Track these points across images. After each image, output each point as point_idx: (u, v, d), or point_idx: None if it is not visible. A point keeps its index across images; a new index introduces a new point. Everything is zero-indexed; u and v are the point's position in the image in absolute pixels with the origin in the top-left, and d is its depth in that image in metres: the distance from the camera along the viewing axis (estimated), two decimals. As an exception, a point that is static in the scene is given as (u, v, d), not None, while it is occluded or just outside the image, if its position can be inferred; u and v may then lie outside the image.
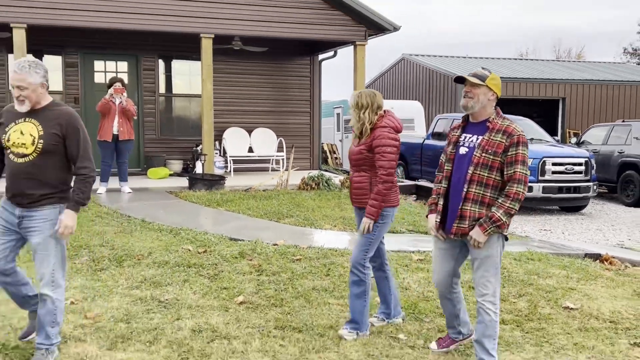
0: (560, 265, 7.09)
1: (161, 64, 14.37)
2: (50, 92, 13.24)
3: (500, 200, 3.86)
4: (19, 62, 3.96)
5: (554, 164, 12.03)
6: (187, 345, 4.45)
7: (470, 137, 4.03)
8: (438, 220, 4.15)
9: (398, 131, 4.71)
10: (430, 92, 26.52)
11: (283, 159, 14.33)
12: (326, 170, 14.86)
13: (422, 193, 13.32)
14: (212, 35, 12.23)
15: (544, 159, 11.95)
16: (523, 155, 3.84)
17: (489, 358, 4.02)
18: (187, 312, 5.15)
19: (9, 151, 4.01)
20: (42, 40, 12.32)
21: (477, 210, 3.91)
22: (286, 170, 12.79)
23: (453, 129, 4.21)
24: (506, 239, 4.04)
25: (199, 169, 12.97)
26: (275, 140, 14.79)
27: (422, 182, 14.42)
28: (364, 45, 13.49)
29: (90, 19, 11.50)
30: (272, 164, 14.81)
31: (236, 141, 14.52)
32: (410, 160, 16.09)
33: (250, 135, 14.73)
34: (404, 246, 7.89)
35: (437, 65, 27.00)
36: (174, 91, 14.67)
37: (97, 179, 9.57)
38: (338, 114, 19.70)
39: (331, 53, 15.35)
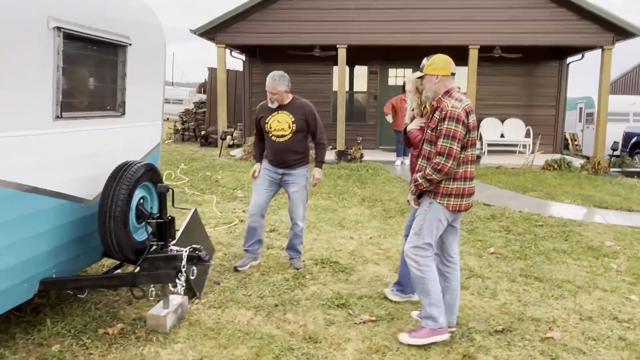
0: None
1: (436, 69, 14.33)
2: (357, 92, 14.08)
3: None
4: (272, 75, 4.33)
5: None
6: (450, 278, 4.52)
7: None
8: None
9: None
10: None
11: (529, 144, 13.31)
12: (567, 155, 13.44)
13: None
14: (478, 46, 11.80)
15: None
16: (447, 130, 3.09)
17: (424, 313, 3.32)
18: (451, 254, 5.20)
19: (270, 134, 4.43)
20: (355, 56, 13.15)
21: None
22: (532, 153, 11.90)
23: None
24: (456, 210, 3.23)
25: (460, 149, 12.75)
26: (523, 128, 13.78)
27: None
28: (611, 49, 11.75)
29: (388, 39, 11.95)
30: (519, 148, 13.86)
31: (490, 128, 13.88)
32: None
33: (502, 123, 13.96)
34: (638, 223, 6.87)
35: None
36: (444, 90, 14.51)
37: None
38: (581, 108, 17.53)
39: (579, 56, 13.68)
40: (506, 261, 5.03)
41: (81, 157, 3.22)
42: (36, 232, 2.90)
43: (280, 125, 4.40)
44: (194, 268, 3.43)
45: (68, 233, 3.19)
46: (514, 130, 13.85)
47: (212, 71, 16.56)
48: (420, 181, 3.23)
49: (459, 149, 3.13)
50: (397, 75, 14.33)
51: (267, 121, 4.43)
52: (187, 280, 3.73)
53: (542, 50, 13.32)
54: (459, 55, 12.46)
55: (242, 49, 13.97)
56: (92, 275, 3.48)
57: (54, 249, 3.10)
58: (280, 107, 4.42)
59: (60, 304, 3.67)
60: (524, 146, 13.69)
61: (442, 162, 3.11)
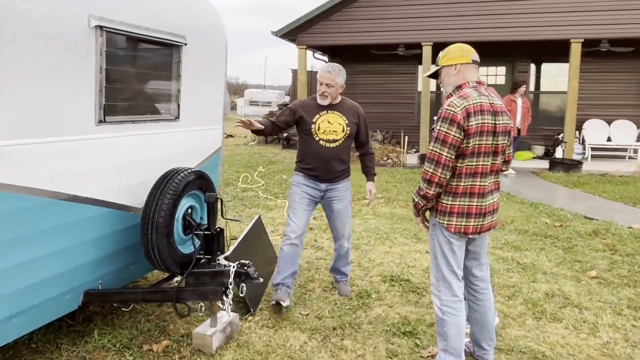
0: None
1: (532, 67, 13.22)
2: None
3: None
4: (330, 65, 3.71)
5: None
6: (540, 306, 3.90)
7: None
8: None
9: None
10: None
11: (641, 149, 11.87)
12: (688, 161, 11.78)
13: None
14: (582, 40, 10.66)
15: None
16: (439, 132, 2.62)
17: (437, 357, 2.85)
18: (542, 276, 4.54)
19: (317, 138, 3.72)
20: (441, 53, 12.47)
21: None
22: (644, 159, 10.56)
23: None
24: (460, 233, 2.71)
25: (558, 154, 11.63)
26: (634, 131, 12.30)
27: None
28: None
29: (477, 35, 11.14)
30: (629, 153, 12.40)
31: (595, 131, 12.53)
32: None
33: (609, 125, 12.56)
34: None
35: None
36: (541, 89, 13.37)
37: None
38: None
39: None
40: (610, 288, 4.30)
41: (128, 164, 3.07)
42: (78, 242, 2.77)
43: (332, 127, 3.73)
44: (244, 285, 3.16)
45: (115, 242, 3.05)
46: (623, 133, 12.41)
47: (295, 73, 16.55)
48: (416, 199, 2.76)
49: (451, 156, 2.61)
50: (489, 74, 13.43)
51: (314, 120, 3.72)
52: (242, 296, 3.50)
53: (659, 43, 11.81)
54: (559, 50, 11.44)
55: (324, 49, 13.80)
56: (136, 289, 3.34)
57: (99, 259, 2.97)
58: (330, 107, 3.77)
59: (112, 314, 3.57)
60: (635, 151, 12.23)
61: (431, 170, 2.64)
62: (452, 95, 2.74)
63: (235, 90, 54.89)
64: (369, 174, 3.99)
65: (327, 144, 3.74)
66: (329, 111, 3.76)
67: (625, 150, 12.40)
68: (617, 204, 7.70)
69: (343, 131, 3.75)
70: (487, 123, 2.63)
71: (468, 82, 2.73)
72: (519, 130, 9.85)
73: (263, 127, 3.68)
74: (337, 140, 3.74)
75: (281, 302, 3.62)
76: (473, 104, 2.62)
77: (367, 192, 3.96)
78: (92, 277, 2.97)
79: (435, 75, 2.87)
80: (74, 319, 3.45)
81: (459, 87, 2.74)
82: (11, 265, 2.40)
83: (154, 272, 4.09)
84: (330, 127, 3.73)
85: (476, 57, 2.78)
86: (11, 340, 2.57)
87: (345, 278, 4.12)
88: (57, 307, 2.80)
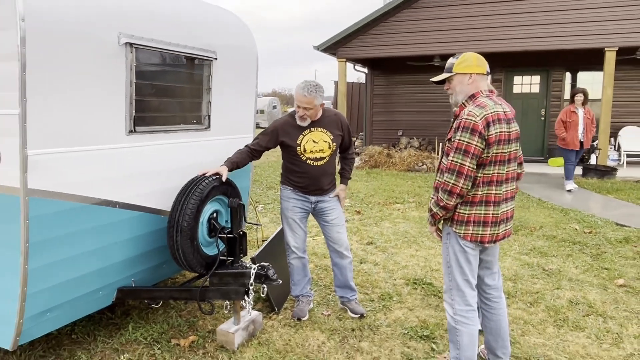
0: None
1: (568, 75, 12.54)
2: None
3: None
4: (306, 86, 3.24)
5: None
6: (562, 314, 3.62)
7: None
8: None
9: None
10: None
11: (680, 155, 11.00)
12: None
13: None
14: (616, 48, 10.01)
15: None
16: (459, 142, 2.43)
17: None
18: (567, 283, 4.23)
19: (304, 158, 3.37)
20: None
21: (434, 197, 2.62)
22: (683, 166, 9.76)
23: None
24: (477, 242, 2.54)
25: (593, 160, 10.96)
26: (673, 138, 11.45)
27: None
28: None
29: (511, 45, 10.68)
30: (667, 159, 11.54)
31: (631, 138, 11.73)
32: None
33: (646, 133, 11.73)
34: None
35: None
36: (577, 97, 12.64)
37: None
38: None
39: None
40: (639, 297, 3.94)
41: (160, 170, 3.06)
42: (109, 243, 2.78)
43: (318, 145, 3.37)
44: (264, 286, 3.08)
45: (146, 243, 3.04)
46: (661, 139, 11.56)
47: (337, 85, 16.46)
48: (434, 210, 2.56)
49: (473, 167, 2.44)
50: (523, 83, 12.84)
51: (298, 142, 3.35)
52: (267, 295, 3.43)
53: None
54: (595, 58, 10.79)
55: (364, 62, 13.63)
56: (164, 287, 3.33)
57: (131, 259, 2.97)
58: (312, 124, 3.38)
59: (148, 309, 3.58)
60: (674, 157, 11.36)
61: (452, 181, 2.45)
62: (466, 105, 2.57)
63: (288, 100, 55.58)
64: (343, 176, 3.66)
65: (315, 163, 3.40)
66: (312, 129, 3.38)
67: (662, 157, 11.54)
68: (652, 211, 7.14)
69: (330, 148, 3.41)
70: (504, 131, 2.47)
71: (481, 91, 2.56)
72: (581, 142, 8.55)
73: (237, 163, 3.27)
74: (324, 158, 3.42)
75: (302, 318, 3.47)
76: (491, 112, 2.45)
77: (335, 198, 3.57)
78: (125, 275, 2.97)
79: (442, 81, 2.67)
80: (113, 312, 3.48)
81: (472, 97, 2.56)
82: (44, 264, 2.42)
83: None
84: (317, 147, 3.38)
85: (489, 69, 2.61)
86: (45, 332, 2.60)
87: (355, 295, 3.63)
88: (91, 303, 2.81)
